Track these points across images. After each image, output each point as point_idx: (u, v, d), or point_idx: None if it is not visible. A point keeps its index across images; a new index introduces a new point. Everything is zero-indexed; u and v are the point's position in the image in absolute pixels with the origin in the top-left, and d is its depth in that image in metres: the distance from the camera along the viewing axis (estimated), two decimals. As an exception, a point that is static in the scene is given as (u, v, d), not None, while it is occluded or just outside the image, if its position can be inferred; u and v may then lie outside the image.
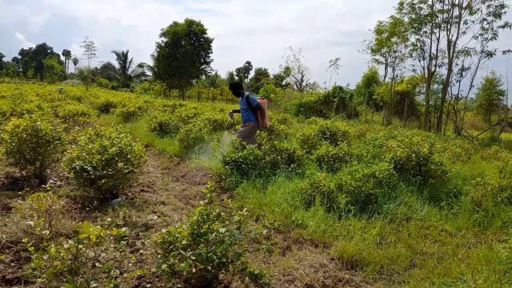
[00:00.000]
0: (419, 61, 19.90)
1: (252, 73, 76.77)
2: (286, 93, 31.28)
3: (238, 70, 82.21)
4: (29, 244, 2.05)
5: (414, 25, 19.01)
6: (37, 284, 2.59)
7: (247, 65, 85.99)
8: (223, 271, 2.68)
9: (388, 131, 11.91)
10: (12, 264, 2.96)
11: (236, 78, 71.76)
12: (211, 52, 44.73)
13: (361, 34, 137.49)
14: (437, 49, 18.86)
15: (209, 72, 49.05)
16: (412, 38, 19.83)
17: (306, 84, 37.90)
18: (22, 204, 3.53)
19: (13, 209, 3.92)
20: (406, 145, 6.10)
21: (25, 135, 4.96)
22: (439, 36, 18.63)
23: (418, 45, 19.51)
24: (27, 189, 4.61)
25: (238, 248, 2.67)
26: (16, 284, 2.69)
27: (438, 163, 5.74)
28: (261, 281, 2.88)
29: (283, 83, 45.40)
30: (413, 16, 18.93)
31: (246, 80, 76.44)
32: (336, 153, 6.62)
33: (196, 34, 42.79)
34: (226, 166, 5.75)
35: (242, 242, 2.68)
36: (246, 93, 7.35)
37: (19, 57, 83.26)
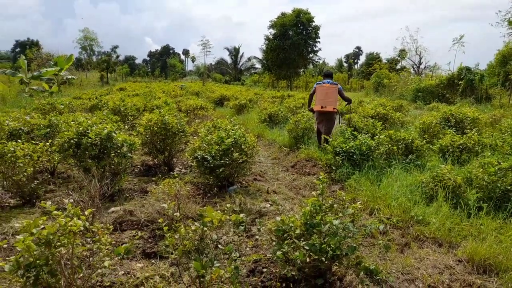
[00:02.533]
0: None
1: (362, 59, 73.13)
2: (402, 78, 28.93)
3: (347, 56, 79.27)
4: (163, 224, 2.33)
5: None
6: (170, 259, 2.95)
7: (357, 50, 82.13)
8: (337, 264, 2.64)
9: (530, 116, 10.07)
10: (150, 240, 3.42)
11: (345, 64, 69.43)
12: (319, 41, 44.10)
13: (488, 7, 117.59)
14: None
15: (316, 61, 48.56)
16: None
17: (425, 67, 34.61)
18: (156, 189, 4.04)
19: (149, 192, 4.53)
20: (557, 133, 5.07)
21: (156, 128, 5.66)
22: None
23: None
24: (159, 175, 5.27)
25: (352, 242, 2.60)
26: (153, 258, 3.11)
27: None
28: (377, 277, 2.76)
29: (398, 67, 42.16)
30: None
31: (356, 66, 73.35)
32: (464, 142, 5.88)
33: (303, 23, 42.65)
34: (337, 157, 5.62)
35: (356, 235, 2.60)
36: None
37: (148, 58, 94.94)
